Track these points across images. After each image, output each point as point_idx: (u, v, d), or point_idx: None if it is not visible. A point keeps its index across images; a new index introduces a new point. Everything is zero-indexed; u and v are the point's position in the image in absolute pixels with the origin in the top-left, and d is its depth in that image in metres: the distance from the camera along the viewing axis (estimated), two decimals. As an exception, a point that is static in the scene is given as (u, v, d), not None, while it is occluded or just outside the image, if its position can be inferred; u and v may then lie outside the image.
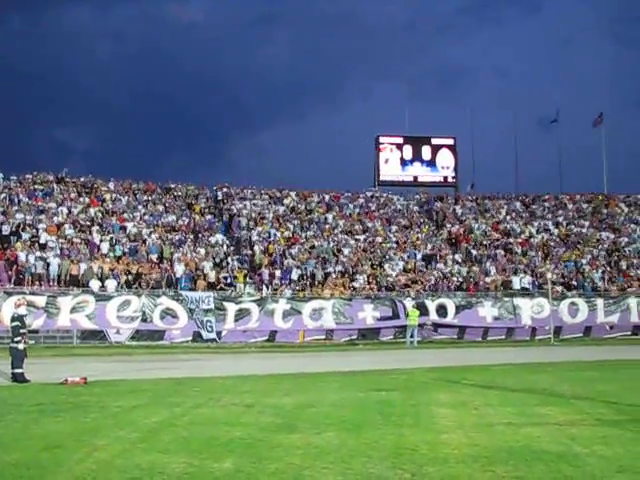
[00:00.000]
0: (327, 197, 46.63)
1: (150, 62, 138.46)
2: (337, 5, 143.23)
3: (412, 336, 30.45)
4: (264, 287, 34.34)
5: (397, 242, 41.37)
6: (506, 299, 34.83)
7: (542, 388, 13.93)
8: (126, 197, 41.46)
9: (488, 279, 37.58)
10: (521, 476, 6.92)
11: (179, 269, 34.12)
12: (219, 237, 38.65)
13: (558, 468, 7.20)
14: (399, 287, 35.89)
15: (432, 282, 36.75)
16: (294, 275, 35.89)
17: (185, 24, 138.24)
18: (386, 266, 38.03)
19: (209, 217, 41.35)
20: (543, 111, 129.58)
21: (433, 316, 33.40)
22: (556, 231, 44.87)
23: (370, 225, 43.23)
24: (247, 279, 35.05)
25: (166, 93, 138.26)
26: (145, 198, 42.11)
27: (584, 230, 44.84)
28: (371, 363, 21.10)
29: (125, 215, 39.06)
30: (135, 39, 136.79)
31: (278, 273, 35.77)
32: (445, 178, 50.96)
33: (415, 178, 50.48)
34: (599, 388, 13.84)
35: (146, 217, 39.57)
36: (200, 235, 38.69)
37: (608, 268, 40.21)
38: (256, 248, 37.86)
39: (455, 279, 37.58)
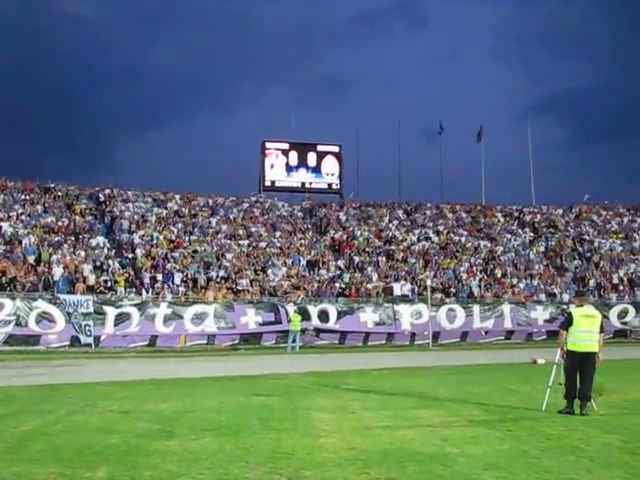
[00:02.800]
0: (211, 201, 46.35)
1: (34, 55, 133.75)
2: (228, 7, 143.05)
3: (294, 341, 30.54)
4: (145, 291, 33.73)
5: (281, 248, 41.50)
6: (387, 305, 35.49)
7: (419, 391, 14.26)
8: (2, 196, 39.88)
9: (370, 285, 38.20)
10: (394, 477, 7.07)
11: (57, 272, 33.03)
12: (100, 239, 37.67)
13: (430, 468, 7.41)
14: (282, 292, 36.00)
15: (315, 288, 37.04)
16: (176, 279, 35.41)
17: (74, 18, 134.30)
18: (269, 271, 38.09)
19: (90, 219, 40.27)
20: (427, 122, 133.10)
21: (315, 321, 33.65)
22: (436, 239, 46.11)
23: (254, 230, 43.20)
24: (128, 283, 34.33)
25: (50, 88, 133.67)
26: (23, 197, 40.65)
27: (463, 239, 46.28)
28: (252, 368, 21.06)
29: (0, 214, 37.53)
30: (18, 30, 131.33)
31: (160, 277, 35.19)
32: (330, 185, 51.63)
33: (300, 184, 50.91)
34: (472, 390, 14.31)
35: (23, 217, 38.15)
36: (80, 237, 37.60)
37: (485, 276, 41.65)
38: (138, 251, 37.15)
39: (338, 285, 37.98)
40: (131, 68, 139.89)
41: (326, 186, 51.54)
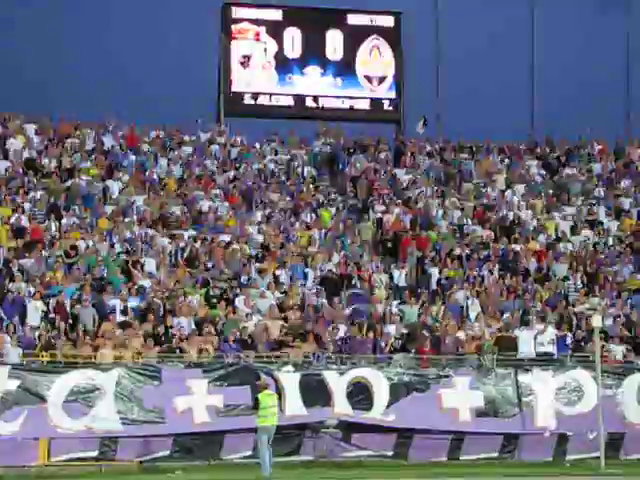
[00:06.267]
0: (108, 141, 46.42)
1: None
2: None
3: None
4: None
5: (265, 245, 41.65)
6: (502, 372, 35.31)
7: None
8: None
9: (462, 334, 37.96)
10: None
11: None
12: None
13: None
14: (268, 344, 35.90)
15: (340, 333, 36.80)
16: (31, 316, 35.52)
17: None
18: (240, 298, 38.05)
19: None
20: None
21: (342, 407, 33.45)
22: (614, 225, 45.99)
23: (207, 206, 43.35)
24: None
25: None
26: None
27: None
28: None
29: None
30: None
31: (-1, 311, 35.46)
32: (376, 102, 51.57)
33: (309, 101, 50.87)
34: None
35: None
36: None
37: None
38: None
39: (393, 328, 37.80)
40: None
41: (367, 105, 51.54)
